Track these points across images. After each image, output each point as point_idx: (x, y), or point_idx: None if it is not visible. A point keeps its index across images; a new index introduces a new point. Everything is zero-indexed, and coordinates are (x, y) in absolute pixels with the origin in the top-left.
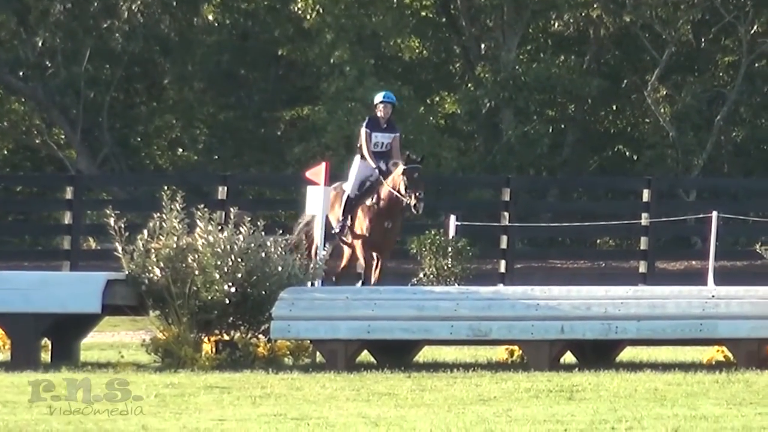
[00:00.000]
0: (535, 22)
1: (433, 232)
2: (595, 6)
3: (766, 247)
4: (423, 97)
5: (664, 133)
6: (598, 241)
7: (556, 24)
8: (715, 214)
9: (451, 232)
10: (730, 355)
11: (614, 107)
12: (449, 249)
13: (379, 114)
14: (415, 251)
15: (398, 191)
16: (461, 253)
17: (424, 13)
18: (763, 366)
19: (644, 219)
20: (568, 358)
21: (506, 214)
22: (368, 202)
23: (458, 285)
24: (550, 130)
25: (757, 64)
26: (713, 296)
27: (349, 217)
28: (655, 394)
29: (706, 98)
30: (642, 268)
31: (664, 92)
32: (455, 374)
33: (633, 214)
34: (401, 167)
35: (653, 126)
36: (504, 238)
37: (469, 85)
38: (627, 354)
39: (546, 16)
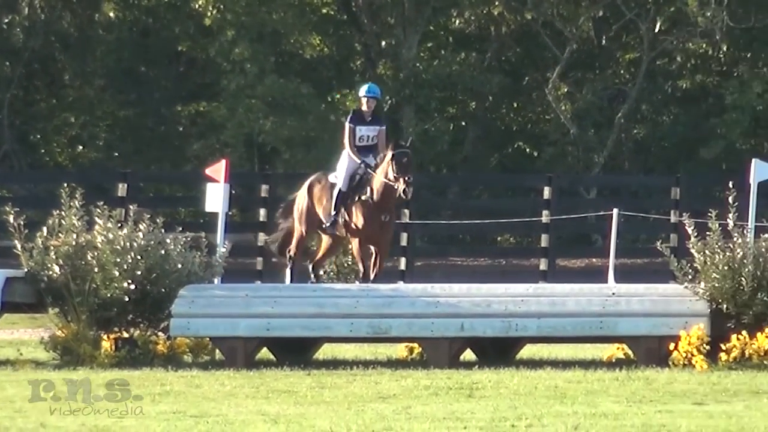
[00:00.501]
0: (436, 19)
1: None
2: (496, 3)
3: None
4: (324, 95)
5: (565, 130)
6: (499, 238)
7: (457, 21)
8: (615, 211)
9: None
10: (630, 352)
11: (515, 104)
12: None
13: (363, 108)
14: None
15: (388, 179)
16: None
17: (325, 11)
18: (662, 363)
19: (545, 216)
20: (468, 355)
21: (406, 211)
22: (363, 196)
23: (358, 282)
24: (451, 128)
25: (658, 62)
26: (613, 294)
27: (343, 211)
28: (555, 391)
29: (607, 95)
30: (542, 265)
31: (565, 89)
32: (355, 371)
33: (533, 212)
34: (390, 153)
35: (554, 123)
36: (404, 236)
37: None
38: (527, 351)
39: (447, 13)
